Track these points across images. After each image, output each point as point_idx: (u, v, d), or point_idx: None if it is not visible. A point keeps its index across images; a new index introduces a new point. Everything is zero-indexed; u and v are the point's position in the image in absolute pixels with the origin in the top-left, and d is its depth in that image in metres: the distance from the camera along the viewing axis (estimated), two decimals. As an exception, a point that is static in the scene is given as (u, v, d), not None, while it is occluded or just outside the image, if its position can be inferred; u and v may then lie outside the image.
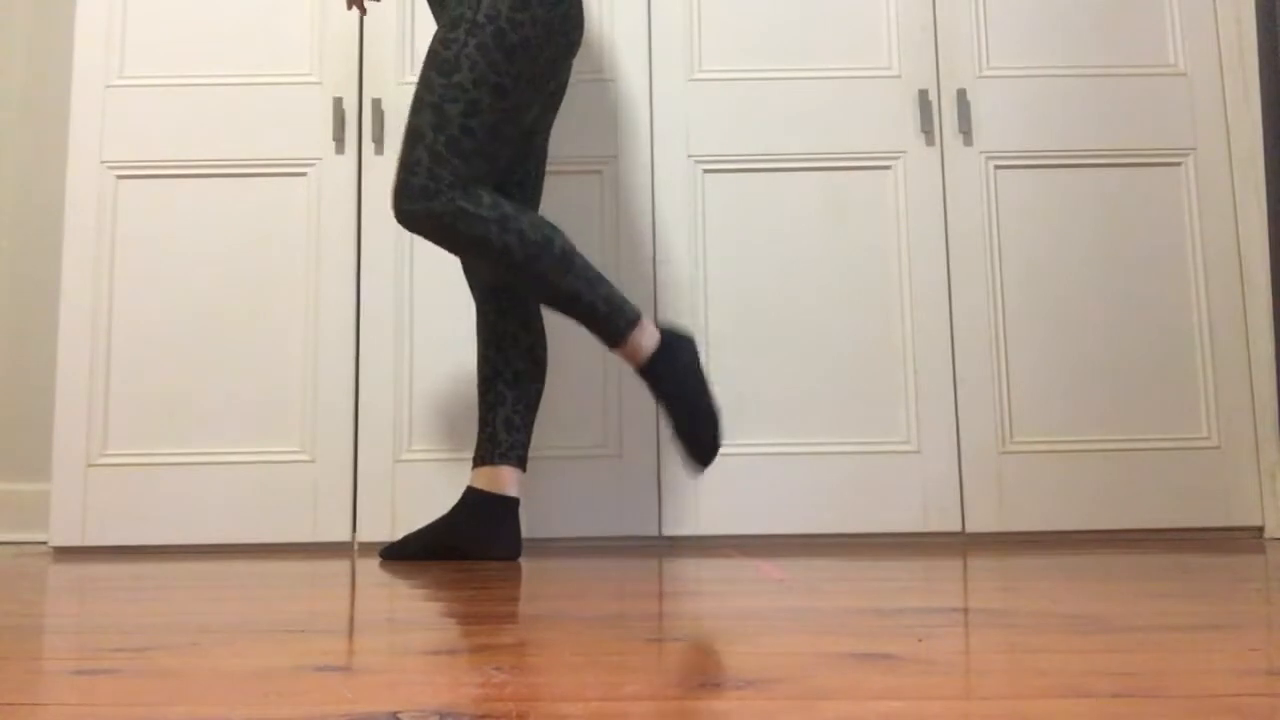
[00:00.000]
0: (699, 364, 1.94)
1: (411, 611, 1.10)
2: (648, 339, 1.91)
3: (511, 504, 1.98)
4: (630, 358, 1.92)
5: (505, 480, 1.98)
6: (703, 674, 0.69)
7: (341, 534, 2.41)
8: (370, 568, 1.83)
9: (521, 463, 2.00)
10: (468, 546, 1.97)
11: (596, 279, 1.89)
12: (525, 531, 2.40)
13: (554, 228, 1.89)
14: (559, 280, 1.86)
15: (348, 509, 2.42)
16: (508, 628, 0.95)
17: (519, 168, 2.10)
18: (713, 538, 2.41)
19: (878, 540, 2.41)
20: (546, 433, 2.44)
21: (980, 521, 2.41)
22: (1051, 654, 0.76)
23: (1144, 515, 2.43)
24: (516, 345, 2.04)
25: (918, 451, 2.43)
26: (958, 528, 2.41)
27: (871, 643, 0.83)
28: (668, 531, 2.41)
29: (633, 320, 1.90)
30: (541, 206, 2.50)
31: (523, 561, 1.93)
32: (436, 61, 1.89)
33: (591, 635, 0.89)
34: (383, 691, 0.64)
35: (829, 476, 2.42)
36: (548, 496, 2.42)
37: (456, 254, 1.89)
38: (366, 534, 2.40)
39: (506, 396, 2.01)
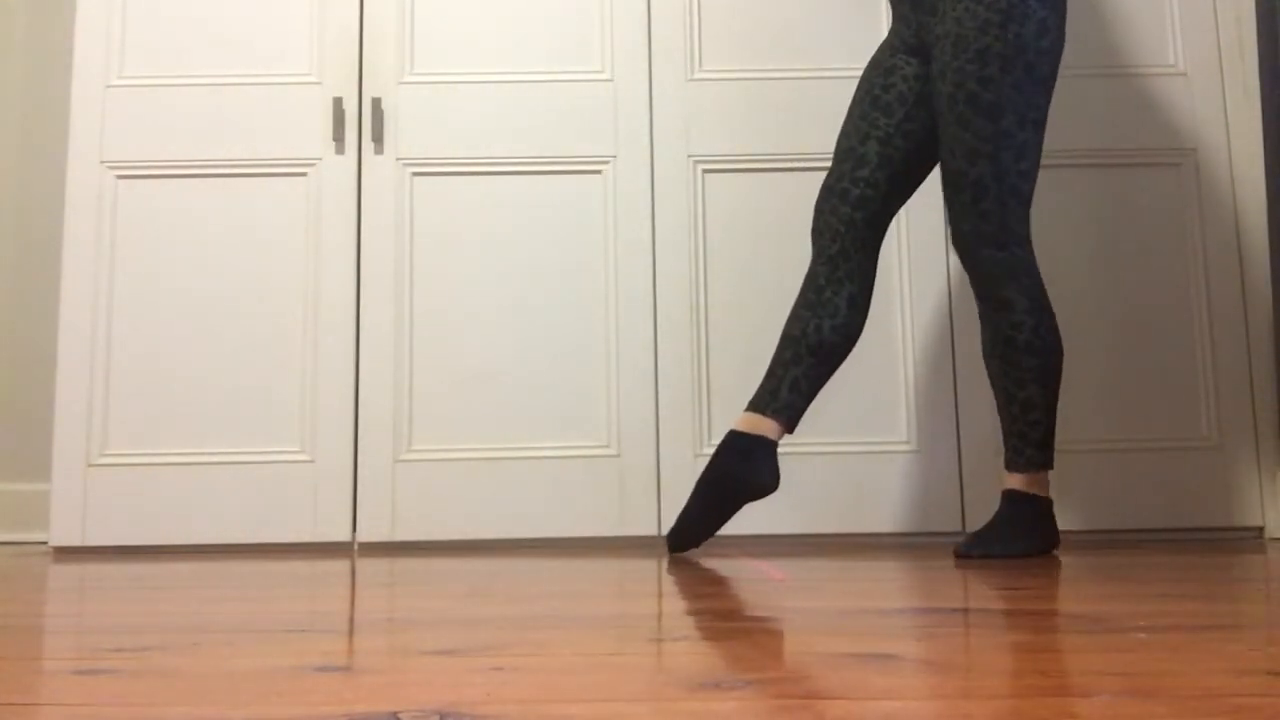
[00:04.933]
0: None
1: (411, 611, 1.10)
2: (1030, 484, 1.94)
3: (769, 444, 1.95)
4: (1024, 485, 1.94)
5: (768, 428, 1.95)
6: (703, 674, 0.69)
7: (341, 534, 2.41)
8: (370, 568, 1.83)
9: (790, 424, 1.97)
10: (732, 484, 1.94)
11: (1052, 409, 1.94)
12: (525, 532, 2.40)
13: (1061, 349, 1.94)
14: (1029, 384, 1.91)
15: (348, 509, 2.42)
16: (508, 628, 0.95)
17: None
18: (713, 538, 2.41)
19: (878, 540, 2.41)
20: (546, 433, 2.44)
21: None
22: (1051, 654, 0.76)
23: (1144, 515, 2.43)
24: (837, 318, 1.97)
25: (918, 451, 2.43)
26: (958, 528, 2.41)
27: (871, 643, 0.83)
28: (667, 531, 2.41)
29: (1031, 467, 1.94)
30: (541, 206, 2.51)
31: (523, 561, 1.93)
32: (979, 105, 1.88)
33: (591, 635, 0.89)
34: (383, 691, 0.64)
35: (828, 476, 2.42)
36: (548, 496, 2.42)
37: (980, 309, 1.94)
38: (366, 534, 2.40)
39: (804, 361, 1.97)
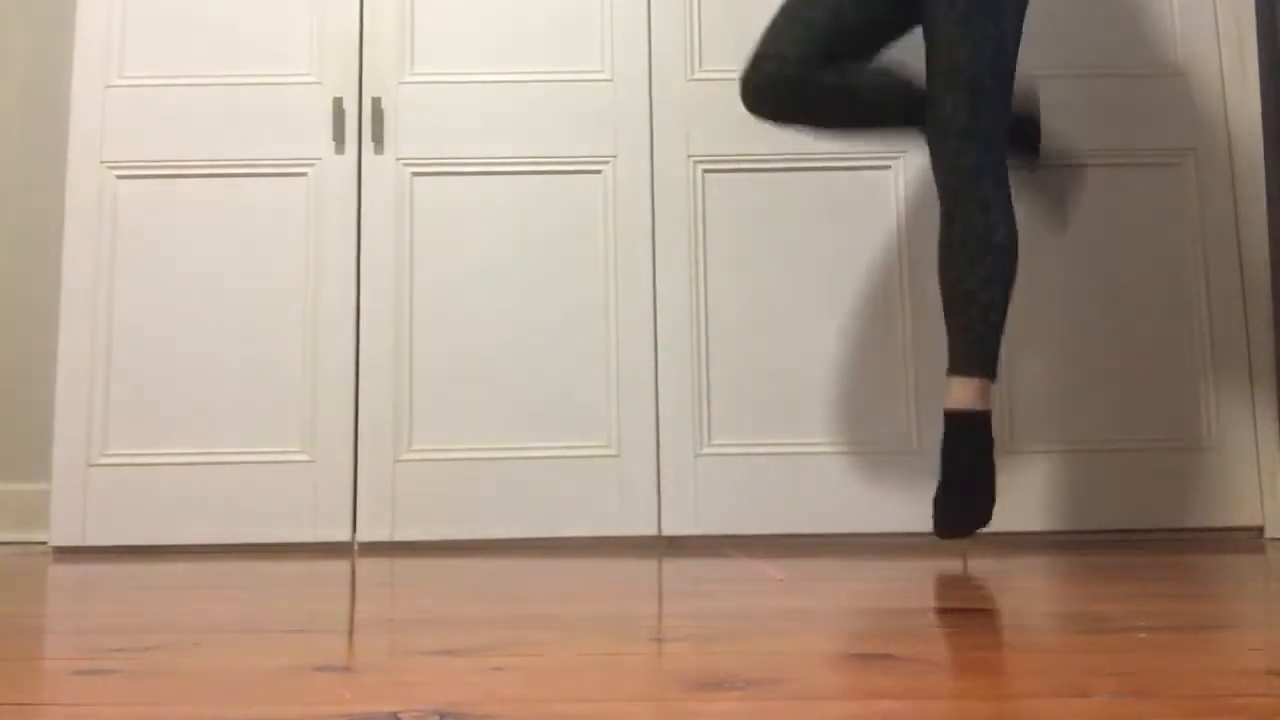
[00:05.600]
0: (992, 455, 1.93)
1: (411, 611, 1.10)
2: (969, 399, 1.91)
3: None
4: (948, 396, 1.92)
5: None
6: (703, 674, 0.69)
7: (341, 534, 2.41)
8: (370, 568, 1.83)
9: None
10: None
11: (1004, 319, 1.93)
12: (525, 531, 2.40)
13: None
14: (988, 284, 1.89)
15: (348, 509, 2.42)
16: (508, 628, 0.95)
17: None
18: (713, 538, 2.41)
19: (877, 540, 2.41)
20: (546, 433, 2.44)
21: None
22: (1051, 654, 0.76)
23: (1144, 515, 2.43)
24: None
25: (917, 452, 2.43)
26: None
27: (871, 643, 0.83)
28: (668, 531, 2.41)
29: (976, 370, 1.92)
30: (541, 207, 2.51)
31: (523, 561, 1.93)
32: (984, 4, 1.87)
33: (591, 635, 0.89)
34: (383, 691, 0.64)
35: (829, 476, 2.42)
36: (547, 496, 2.41)
37: (951, 207, 1.90)
38: (366, 534, 2.40)
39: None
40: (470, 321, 2.47)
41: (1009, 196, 1.90)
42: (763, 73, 1.97)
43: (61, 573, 1.77)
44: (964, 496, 1.87)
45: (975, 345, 1.91)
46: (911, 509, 2.41)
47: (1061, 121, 2.53)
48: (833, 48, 1.95)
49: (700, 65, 2.55)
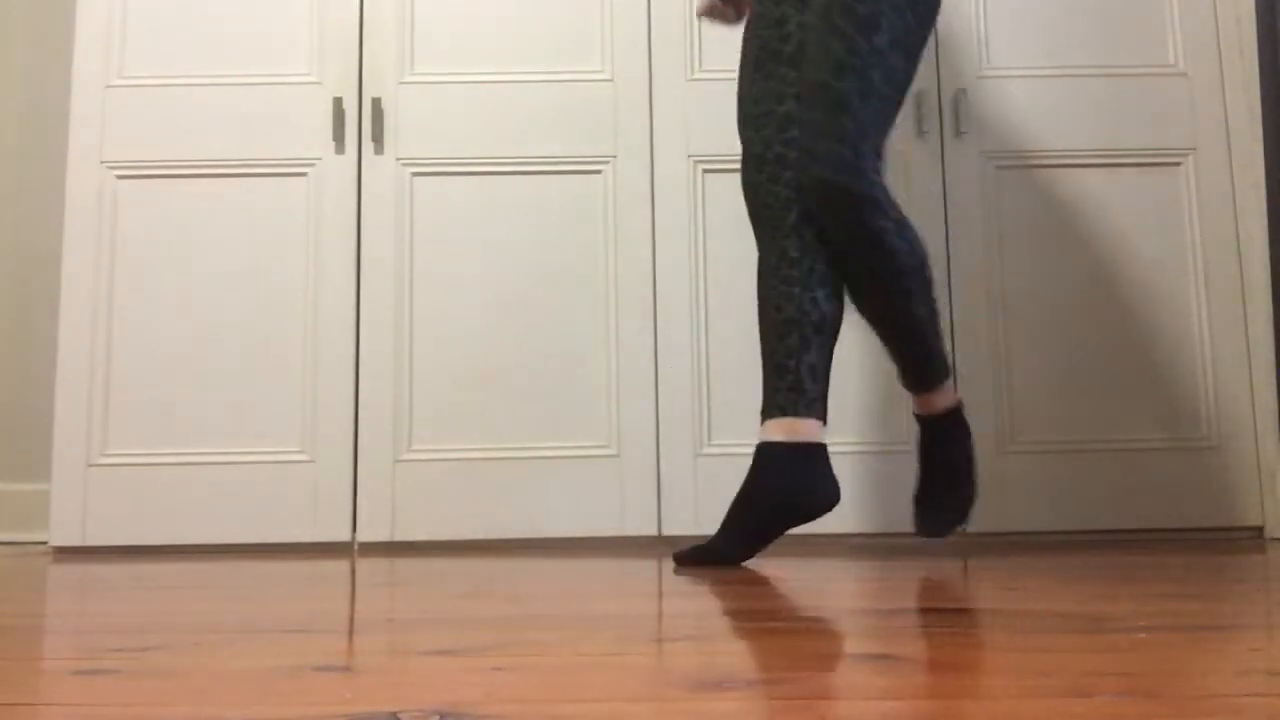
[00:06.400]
0: (972, 449, 1.91)
1: (411, 611, 1.10)
2: (951, 397, 1.89)
3: (820, 450, 1.76)
4: (927, 406, 1.87)
5: (809, 430, 1.75)
6: (703, 674, 0.69)
7: (341, 534, 2.41)
8: (370, 568, 1.83)
9: (824, 418, 1.80)
10: (789, 503, 1.72)
11: (938, 314, 1.84)
12: (525, 531, 2.40)
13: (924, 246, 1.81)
14: (920, 301, 1.78)
15: (348, 509, 2.42)
16: (508, 628, 0.95)
17: None
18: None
19: (877, 540, 2.41)
20: (546, 433, 2.44)
21: (980, 522, 2.41)
22: (1051, 654, 0.76)
23: (1144, 515, 2.43)
24: (828, 285, 1.80)
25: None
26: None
27: (871, 643, 0.83)
28: (668, 531, 2.41)
29: (949, 371, 1.87)
30: (541, 207, 2.51)
31: (523, 561, 1.93)
32: (854, 17, 1.73)
33: (591, 635, 0.89)
34: (383, 691, 0.64)
35: (829, 476, 2.42)
36: (548, 496, 2.41)
37: (842, 238, 1.74)
38: (366, 534, 2.40)
39: (812, 342, 1.78)
40: (470, 321, 2.47)
41: (897, 211, 1.76)
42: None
43: (61, 573, 1.77)
44: (948, 495, 1.87)
45: (933, 356, 1.85)
46: (912, 509, 2.41)
47: (1062, 121, 2.53)
48: None
49: (700, 65, 2.55)
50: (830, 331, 1.79)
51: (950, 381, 1.89)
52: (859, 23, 1.73)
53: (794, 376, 1.76)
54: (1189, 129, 2.54)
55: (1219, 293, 2.49)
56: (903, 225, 1.76)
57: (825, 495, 1.74)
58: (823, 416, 1.78)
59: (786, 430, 1.74)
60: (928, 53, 2.54)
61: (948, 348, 1.93)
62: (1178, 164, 2.53)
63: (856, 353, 2.47)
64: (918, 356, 1.82)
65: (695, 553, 1.75)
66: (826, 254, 1.79)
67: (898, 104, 1.79)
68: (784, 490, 1.72)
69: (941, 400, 1.87)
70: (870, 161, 1.73)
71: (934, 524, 1.87)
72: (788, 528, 1.75)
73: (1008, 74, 2.55)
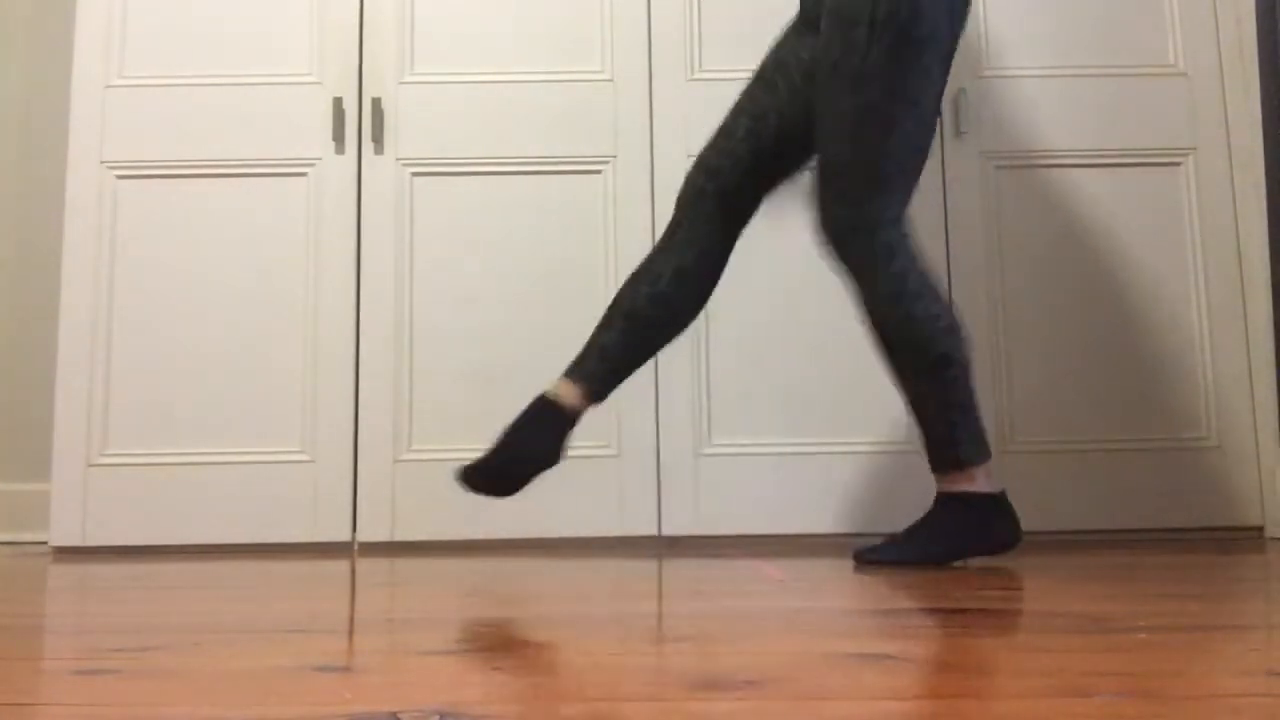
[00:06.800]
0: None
1: (411, 611, 1.10)
2: (955, 482, 1.75)
3: (552, 411, 1.80)
4: (951, 484, 1.75)
5: (565, 392, 1.80)
6: (703, 674, 0.69)
7: (341, 534, 2.41)
8: (370, 568, 1.83)
9: (594, 394, 1.81)
10: (516, 454, 1.77)
11: (957, 405, 1.72)
12: (525, 532, 2.40)
13: (953, 330, 1.71)
14: (911, 379, 1.72)
15: (348, 509, 2.42)
16: (508, 628, 0.95)
17: None
18: (713, 538, 2.41)
19: (877, 540, 2.40)
20: (546, 433, 2.44)
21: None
22: (1051, 654, 0.76)
23: (1144, 515, 2.43)
24: (657, 285, 1.81)
25: (918, 452, 2.43)
26: (958, 528, 2.41)
27: (871, 643, 0.83)
28: (668, 531, 2.41)
29: (977, 459, 1.74)
30: (541, 207, 2.51)
31: (523, 561, 1.93)
32: (839, 75, 1.71)
33: (591, 635, 0.89)
34: (383, 691, 0.64)
35: (829, 476, 2.42)
36: (547, 496, 2.41)
37: (860, 284, 1.74)
38: (366, 534, 2.40)
39: (618, 327, 1.81)
40: (470, 321, 2.47)
41: (917, 279, 1.72)
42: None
43: (61, 573, 1.77)
44: (905, 542, 1.77)
45: (923, 437, 1.77)
46: (911, 509, 2.41)
47: (1062, 121, 2.53)
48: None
49: (700, 65, 2.55)
50: (639, 329, 1.80)
51: (959, 473, 1.74)
52: (847, 78, 1.71)
53: (588, 348, 1.82)
54: (1189, 129, 2.54)
55: (1219, 293, 2.49)
56: (899, 297, 1.72)
57: (536, 452, 1.78)
58: (592, 394, 1.80)
59: (557, 390, 1.81)
60: (928, 53, 2.54)
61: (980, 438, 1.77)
62: (1178, 164, 2.53)
63: (856, 354, 2.47)
64: (929, 436, 1.76)
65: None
66: (682, 264, 1.81)
67: (907, 159, 1.74)
68: (516, 444, 1.78)
69: (943, 483, 1.77)
70: (878, 219, 1.72)
71: (871, 551, 1.77)
72: (517, 471, 1.78)
73: (1008, 74, 2.55)
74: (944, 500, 1.75)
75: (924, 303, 1.71)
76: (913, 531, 1.75)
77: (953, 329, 1.72)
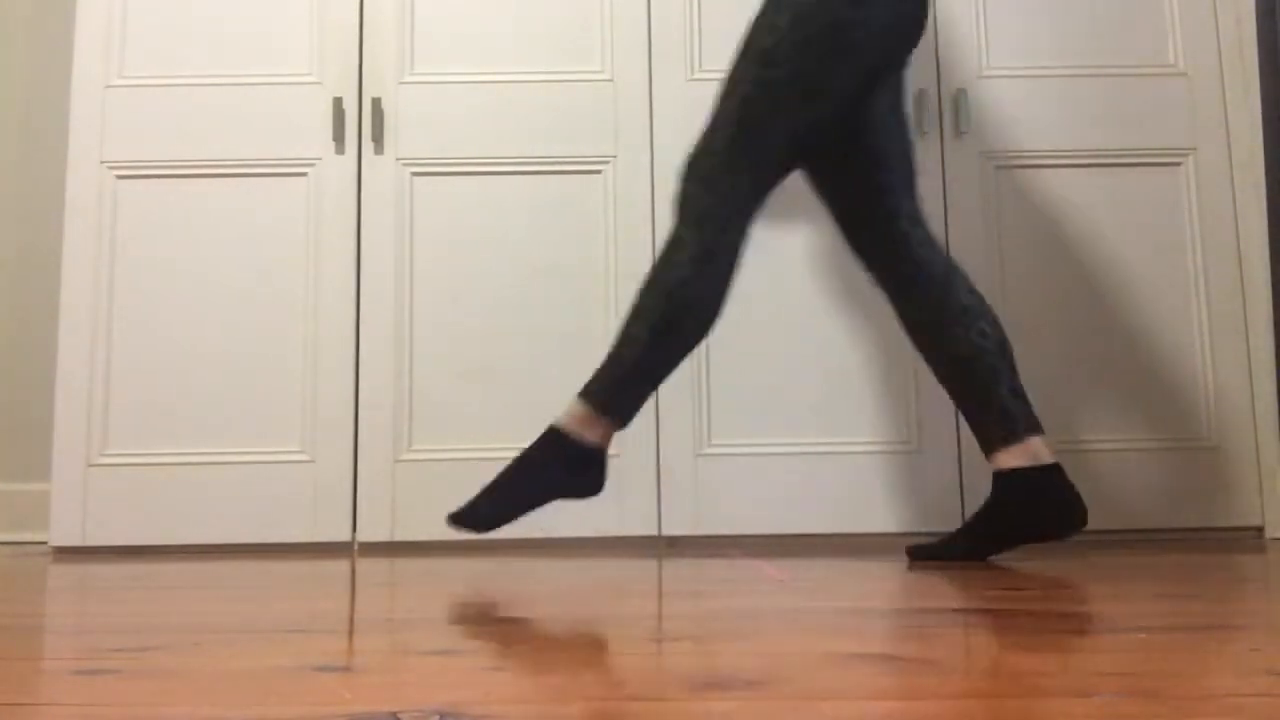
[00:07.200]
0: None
1: (411, 611, 1.10)
2: (1006, 458, 1.79)
3: (1056, 469, 1.78)
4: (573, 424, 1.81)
5: (1040, 450, 1.79)
6: (703, 674, 0.69)
7: (341, 534, 2.41)
8: (370, 568, 1.83)
9: (1040, 429, 1.81)
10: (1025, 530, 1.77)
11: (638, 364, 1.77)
12: (524, 532, 2.40)
13: (707, 323, 1.77)
14: (648, 330, 1.76)
15: (348, 509, 2.42)
16: (508, 628, 0.95)
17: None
18: (713, 538, 2.41)
19: (877, 540, 2.41)
20: (546, 433, 2.44)
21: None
22: (1051, 654, 0.76)
23: (1144, 515, 2.43)
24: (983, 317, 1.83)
25: (917, 451, 2.43)
26: (957, 527, 2.41)
27: (871, 643, 0.83)
28: (668, 531, 2.41)
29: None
30: (541, 207, 2.51)
31: (523, 561, 1.93)
32: (752, 47, 1.77)
33: (591, 635, 0.89)
34: (383, 691, 0.64)
35: (829, 476, 2.42)
36: (548, 496, 2.41)
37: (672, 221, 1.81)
38: (366, 534, 2.40)
39: (1000, 368, 1.80)
40: (470, 321, 2.47)
41: (714, 245, 1.76)
42: None
43: (61, 573, 1.77)
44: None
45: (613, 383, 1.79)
46: (911, 509, 2.41)
47: (1062, 121, 2.53)
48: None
49: (700, 65, 2.55)
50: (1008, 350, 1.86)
51: (586, 418, 1.80)
52: (755, 55, 1.77)
53: (1001, 403, 1.83)
54: (1189, 129, 2.54)
55: (1219, 293, 2.49)
56: (704, 260, 1.75)
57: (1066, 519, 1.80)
58: (1040, 430, 1.81)
59: (1021, 455, 1.80)
60: (928, 52, 2.54)
61: (614, 383, 1.80)
62: (1178, 164, 2.53)
63: (856, 353, 2.47)
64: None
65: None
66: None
67: (780, 141, 1.77)
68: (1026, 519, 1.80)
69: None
70: (718, 177, 1.76)
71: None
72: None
73: (1008, 74, 2.55)
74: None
75: (709, 283, 1.75)
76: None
77: (709, 321, 1.77)
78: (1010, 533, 1.78)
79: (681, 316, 1.76)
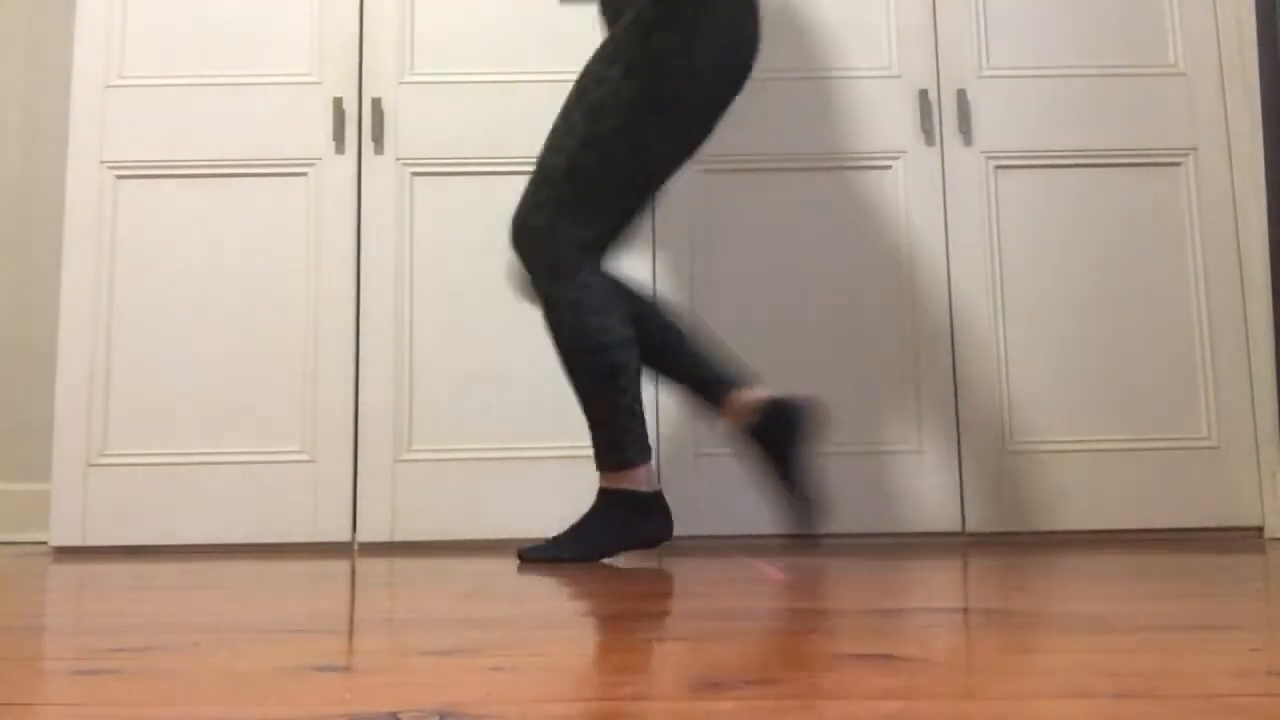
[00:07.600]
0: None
1: (411, 611, 1.10)
2: (646, 481, 1.88)
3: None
4: (615, 481, 1.88)
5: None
6: (703, 674, 0.69)
7: (341, 534, 2.41)
8: (370, 568, 1.83)
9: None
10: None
11: (625, 410, 1.84)
12: (524, 532, 2.40)
13: (625, 344, 1.83)
14: (578, 378, 1.85)
15: (348, 509, 2.42)
16: (508, 628, 0.95)
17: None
18: (713, 538, 2.41)
19: (878, 540, 2.41)
20: (546, 432, 2.44)
21: (980, 521, 2.41)
22: (1051, 654, 0.76)
23: (1144, 515, 2.43)
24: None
25: (918, 451, 2.43)
26: (958, 528, 2.41)
27: (871, 643, 0.82)
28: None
29: (625, 462, 1.87)
30: (541, 206, 2.50)
31: (522, 561, 1.93)
32: (582, 101, 1.83)
33: (591, 635, 0.89)
34: (383, 691, 0.64)
35: (830, 476, 2.42)
36: (548, 496, 2.41)
37: (538, 291, 1.86)
38: (366, 534, 2.40)
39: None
40: (470, 321, 2.47)
41: (582, 303, 1.82)
42: None
43: (61, 573, 1.77)
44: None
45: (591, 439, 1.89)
46: (911, 509, 2.41)
47: (1062, 121, 2.53)
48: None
49: (700, 65, 2.55)
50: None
51: (623, 472, 1.88)
52: (587, 107, 1.82)
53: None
54: (1189, 129, 2.54)
55: (1219, 293, 2.49)
56: (580, 306, 1.81)
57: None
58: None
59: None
60: (928, 52, 2.54)
61: (613, 442, 1.89)
62: (1178, 164, 2.53)
63: (856, 353, 2.47)
64: (594, 442, 1.89)
65: None
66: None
67: (615, 199, 1.83)
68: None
69: (607, 480, 1.90)
70: (563, 238, 1.82)
71: (535, 550, 1.90)
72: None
73: (1008, 74, 2.55)
74: (608, 495, 1.88)
75: (600, 318, 1.82)
76: (576, 529, 1.88)
77: (625, 342, 1.84)
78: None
79: (605, 357, 1.83)
